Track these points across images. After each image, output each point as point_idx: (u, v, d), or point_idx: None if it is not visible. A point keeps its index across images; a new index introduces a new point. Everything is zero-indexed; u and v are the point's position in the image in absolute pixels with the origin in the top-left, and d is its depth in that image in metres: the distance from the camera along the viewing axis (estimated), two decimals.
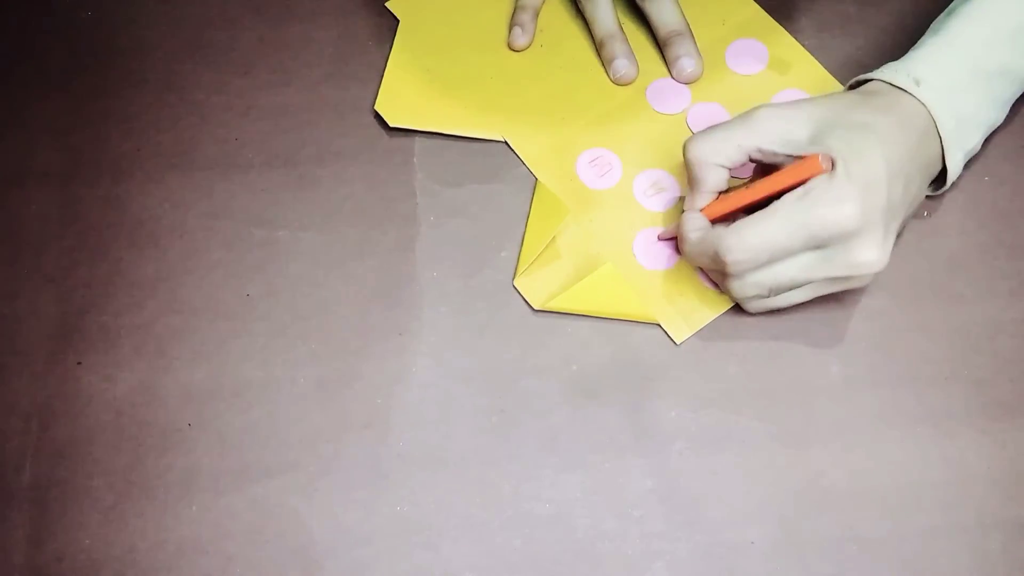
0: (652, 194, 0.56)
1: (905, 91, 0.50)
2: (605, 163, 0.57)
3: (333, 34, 0.61)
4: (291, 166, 0.57)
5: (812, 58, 0.59)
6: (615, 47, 0.59)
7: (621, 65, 0.58)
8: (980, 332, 0.52)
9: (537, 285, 0.53)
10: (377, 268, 0.54)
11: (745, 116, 0.49)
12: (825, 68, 0.59)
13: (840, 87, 0.58)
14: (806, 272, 0.48)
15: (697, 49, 0.59)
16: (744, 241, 0.47)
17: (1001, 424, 0.50)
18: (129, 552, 0.48)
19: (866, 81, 0.52)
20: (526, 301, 0.53)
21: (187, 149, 0.57)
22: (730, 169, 0.50)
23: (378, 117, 0.58)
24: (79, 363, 0.52)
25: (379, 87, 0.59)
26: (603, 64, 0.60)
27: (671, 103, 0.58)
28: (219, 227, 0.55)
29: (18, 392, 0.51)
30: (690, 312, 0.53)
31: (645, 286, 0.53)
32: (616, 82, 0.59)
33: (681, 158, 0.52)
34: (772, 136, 0.49)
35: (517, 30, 0.60)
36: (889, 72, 0.51)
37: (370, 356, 0.52)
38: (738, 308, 0.52)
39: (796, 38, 0.60)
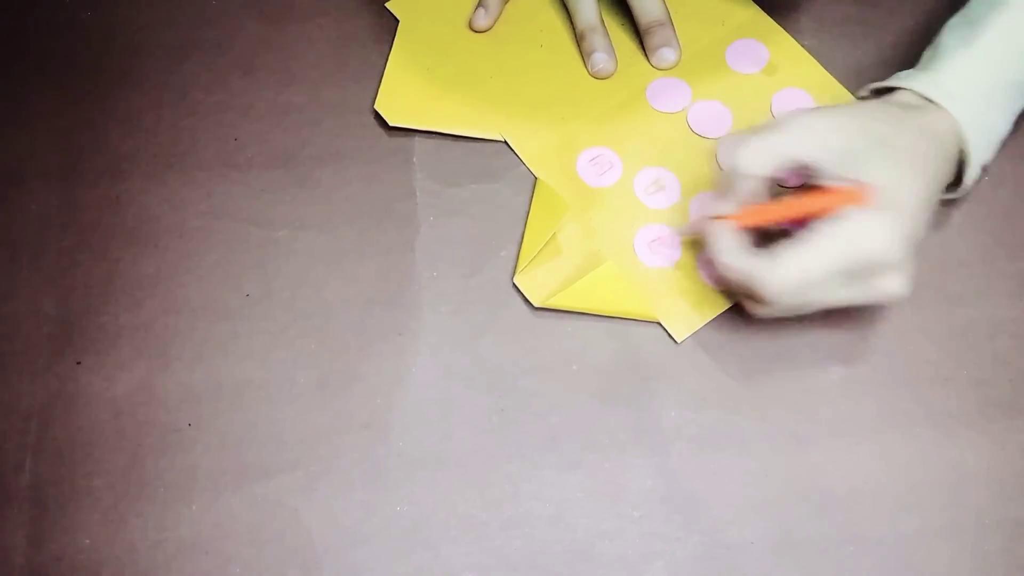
0: (653, 192, 0.56)
1: (938, 105, 0.49)
2: (605, 161, 0.57)
3: (333, 34, 0.61)
4: (291, 166, 0.57)
5: (812, 58, 0.59)
6: (595, 40, 0.59)
7: (599, 59, 0.59)
8: (980, 332, 0.52)
9: (537, 282, 0.53)
10: (377, 268, 0.54)
11: (783, 123, 0.48)
12: (825, 68, 0.59)
13: (840, 87, 0.58)
14: (832, 297, 0.47)
15: (677, 39, 0.59)
16: (786, 279, 0.46)
17: (1000, 424, 0.50)
18: (129, 552, 0.48)
19: (889, 88, 0.51)
20: (526, 299, 0.53)
21: (187, 149, 0.57)
22: (764, 179, 0.49)
23: (378, 117, 0.58)
24: (79, 363, 0.52)
25: (379, 87, 0.59)
26: (582, 58, 0.60)
27: (671, 102, 0.58)
28: (219, 227, 0.55)
29: (18, 392, 0.51)
30: (690, 311, 0.53)
31: (646, 284, 0.53)
32: (594, 75, 0.59)
33: (682, 156, 0.52)
34: (809, 146, 0.47)
35: (480, 11, 0.60)
36: (922, 83, 0.50)
37: (370, 356, 0.52)
38: (738, 309, 0.52)
39: (796, 38, 0.60)
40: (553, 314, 0.53)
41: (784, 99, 0.58)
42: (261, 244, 0.55)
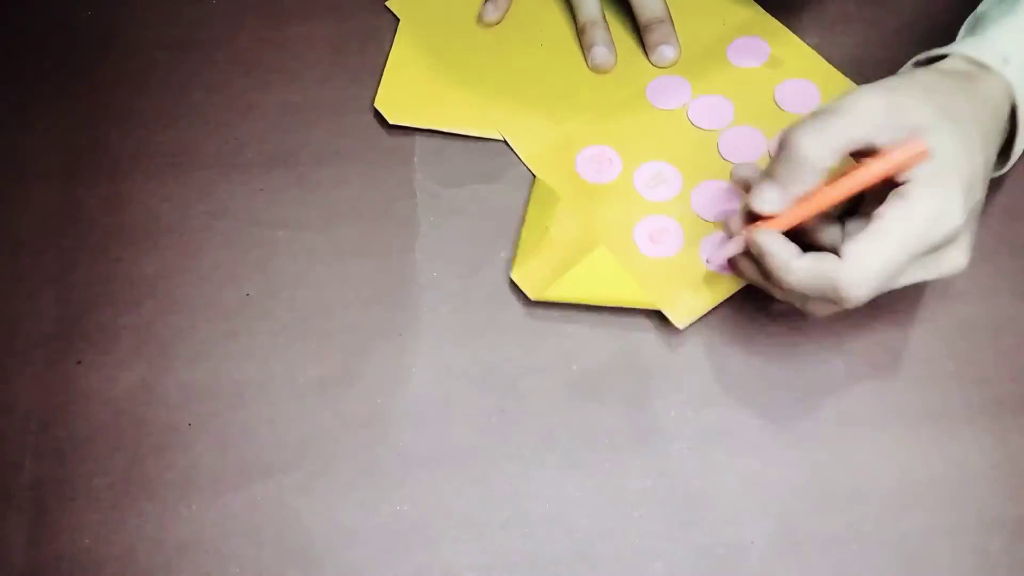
0: (654, 185, 0.55)
1: (991, 70, 0.47)
2: (605, 159, 0.56)
3: (333, 34, 0.61)
4: (291, 166, 0.57)
5: (814, 52, 0.59)
6: (596, 34, 0.59)
7: (599, 52, 0.59)
8: (983, 330, 0.52)
9: (533, 275, 0.53)
10: (377, 268, 0.54)
11: (841, 106, 0.44)
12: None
13: (843, 78, 0.57)
14: (902, 282, 0.45)
15: (676, 37, 0.59)
16: (868, 276, 0.43)
17: (1003, 423, 0.50)
18: (129, 552, 0.48)
19: (937, 57, 0.49)
20: (525, 297, 0.53)
21: (187, 149, 0.57)
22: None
23: (378, 116, 0.58)
24: (79, 363, 0.52)
25: (379, 86, 0.59)
26: (583, 51, 0.60)
27: (671, 99, 0.58)
28: (219, 227, 0.55)
29: (18, 392, 0.51)
30: (693, 297, 0.52)
31: (646, 273, 0.53)
32: (594, 69, 0.59)
33: (683, 149, 0.51)
34: (876, 124, 0.44)
35: (489, 6, 0.60)
36: (974, 47, 0.48)
37: (370, 356, 0.52)
38: (737, 309, 0.52)
39: (797, 36, 0.60)
40: (553, 314, 0.53)
41: (788, 89, 0.58)
42: (261, 244, 0.55)
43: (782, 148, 0.45)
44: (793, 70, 0.58)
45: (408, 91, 0.58)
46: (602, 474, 0.49)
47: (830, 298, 0.44)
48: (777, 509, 0.48)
